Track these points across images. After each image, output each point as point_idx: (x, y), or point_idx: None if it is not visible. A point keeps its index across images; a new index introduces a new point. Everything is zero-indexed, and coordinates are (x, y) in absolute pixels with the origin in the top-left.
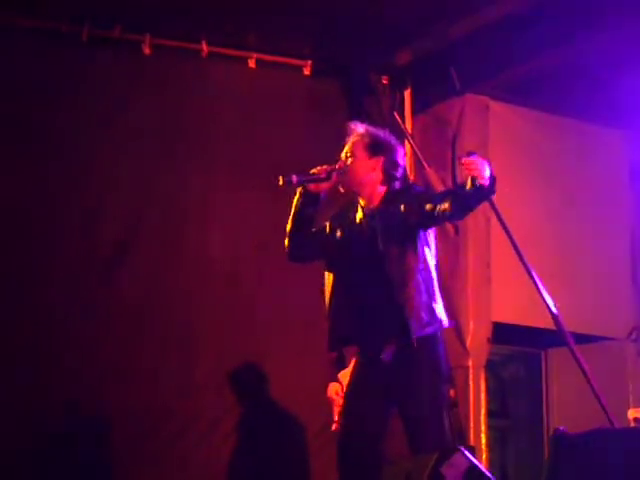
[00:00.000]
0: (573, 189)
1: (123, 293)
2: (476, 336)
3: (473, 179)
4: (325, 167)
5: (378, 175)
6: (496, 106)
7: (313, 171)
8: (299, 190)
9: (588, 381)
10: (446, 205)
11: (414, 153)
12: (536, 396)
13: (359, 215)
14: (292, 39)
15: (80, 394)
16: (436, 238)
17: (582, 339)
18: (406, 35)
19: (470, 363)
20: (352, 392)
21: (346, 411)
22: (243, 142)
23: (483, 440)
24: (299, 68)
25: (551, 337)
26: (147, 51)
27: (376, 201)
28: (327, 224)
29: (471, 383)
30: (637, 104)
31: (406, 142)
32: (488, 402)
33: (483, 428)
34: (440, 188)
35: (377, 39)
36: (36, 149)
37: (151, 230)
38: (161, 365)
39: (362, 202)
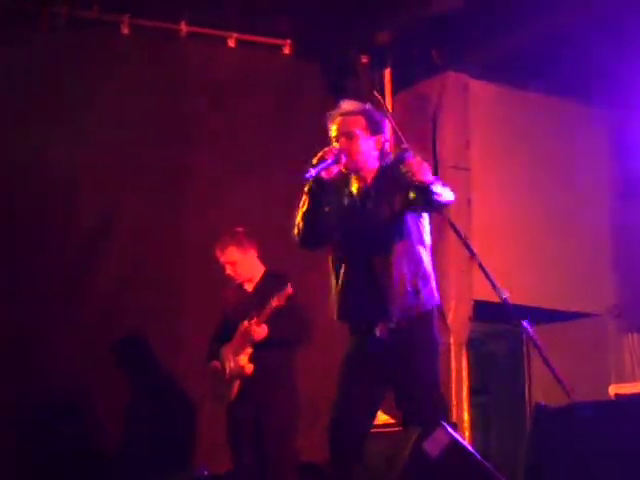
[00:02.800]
0: (555, 166)
1: (103, 275)
2: (457, 314)
3: (419, 181)
4: (332, 150)
5: (376, 153)
6: (475, 84)
7: (320, 156)
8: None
9: (543, 358)
10: (413, 195)
11: (394, 132)
12: (518, 372)
13: (352, 193)
14: (272, 18)
15: (62, 373)
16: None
17: (565, 316)
18: (386, 14)
19: (452, 340)
20: (347, 369)
21: (342, 389)
22: (223, 121)
23: (465, 417)
24: (279, 47)
25: (532, 314)
26: (126, 31)
27: (369, 179)
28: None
29: (453, 361)
30: (622, 81)
31: (387, 121)
32: (470, 379)
33: (465, 405)
34: None
35: (357, 18)
36: (11, 132)
37: (133, 208)
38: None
39: (356, 181)
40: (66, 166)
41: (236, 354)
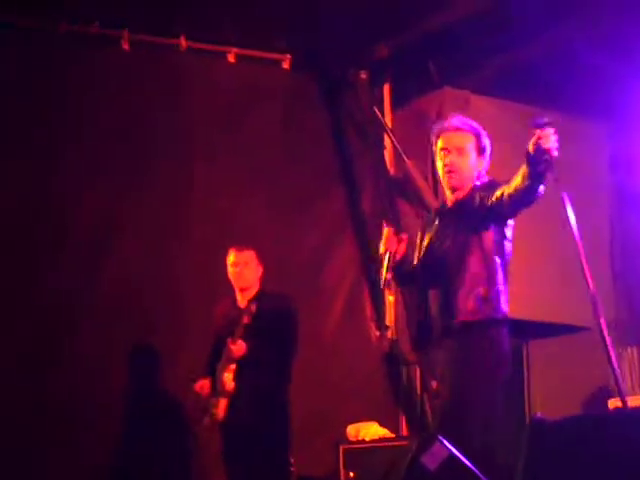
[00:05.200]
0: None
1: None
2: None
3: (542, 152)
4: (387, 246)
5: (475, 174)
6: (476, 99)
7: (383, 255)
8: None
9: (608, 358)
10: (498, 193)
11: (394, 147)
12: (518, 388)
13: (445, 208)
14: (271, 33)
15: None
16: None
17: (565, 329)
18: (385, 29)
19: None
20: None
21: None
22: (222, 136)
23: None
24: (278, 62)
25: (533, 329)
26: (126, 47)
27: (461, 196)
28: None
29: None
30: (619, 95)
31: (386, 136)
32: None
33: None
34: (420, 181)
35: (356, 33)
36: (16, 147)
37: (130, 222)
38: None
39: (448, 196)
40: (69, 178)
41: (222, 371)
